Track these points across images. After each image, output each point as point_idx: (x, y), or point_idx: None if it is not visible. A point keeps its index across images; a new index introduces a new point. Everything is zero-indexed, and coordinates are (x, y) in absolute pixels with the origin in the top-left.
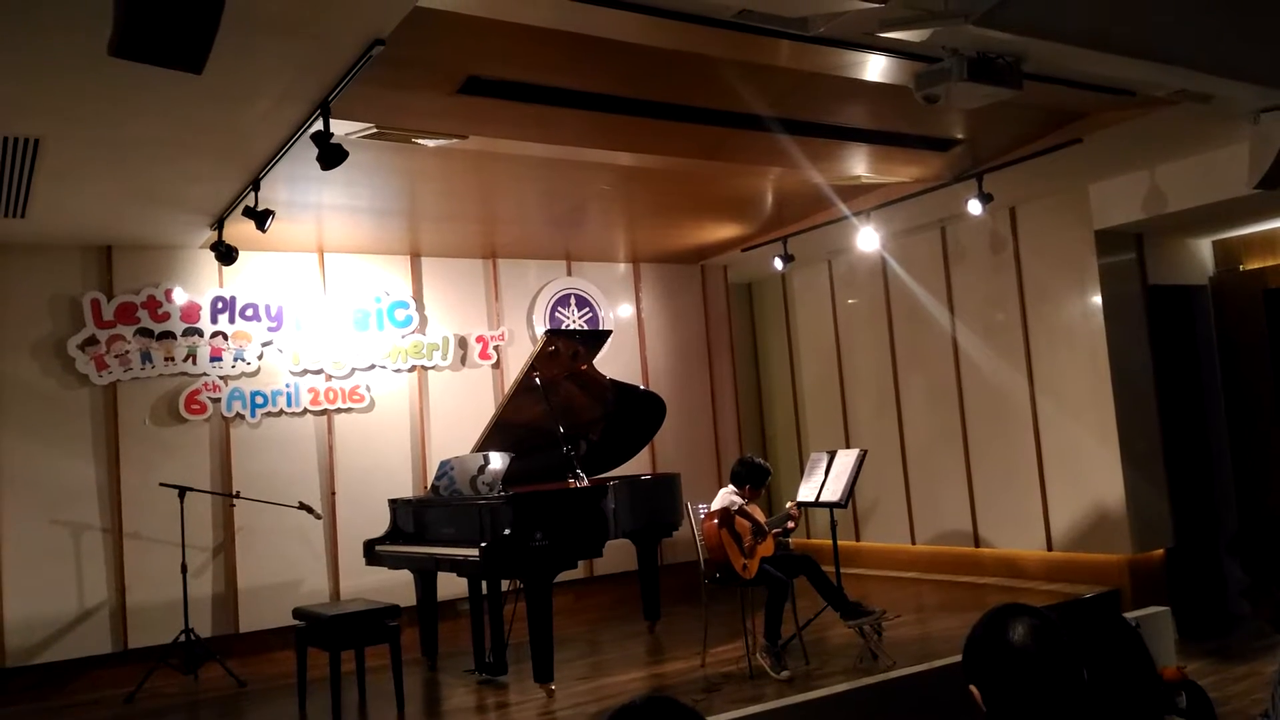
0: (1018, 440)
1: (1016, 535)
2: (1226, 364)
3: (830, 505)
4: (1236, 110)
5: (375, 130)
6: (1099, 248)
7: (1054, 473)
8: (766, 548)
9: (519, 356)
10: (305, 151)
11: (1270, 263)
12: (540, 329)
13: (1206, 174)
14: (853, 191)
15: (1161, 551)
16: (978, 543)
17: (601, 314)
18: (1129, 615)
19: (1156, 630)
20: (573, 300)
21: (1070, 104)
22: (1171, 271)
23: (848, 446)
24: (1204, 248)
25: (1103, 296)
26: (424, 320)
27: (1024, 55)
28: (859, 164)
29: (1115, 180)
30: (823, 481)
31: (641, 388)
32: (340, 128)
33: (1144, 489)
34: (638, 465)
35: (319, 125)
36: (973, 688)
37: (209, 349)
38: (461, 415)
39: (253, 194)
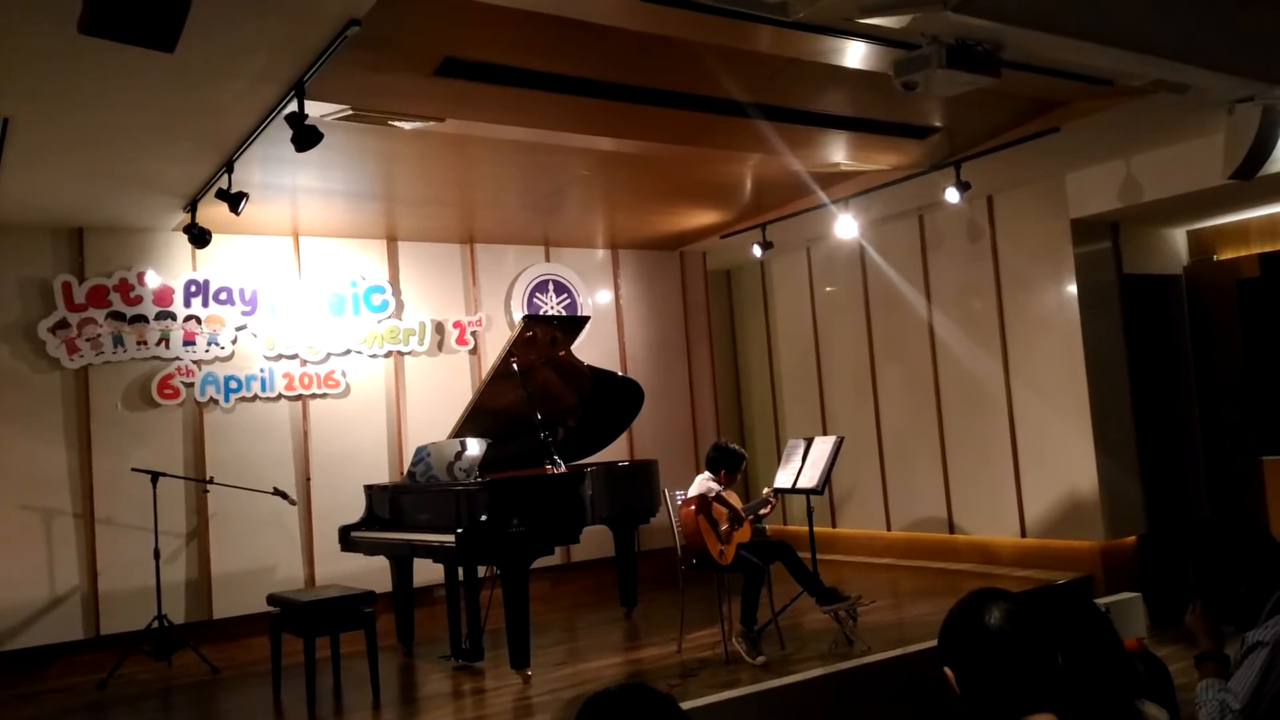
0: (993, 427)
1: (991, 522)
2: (1200, 353)
3: (807, 492)
4: (1212, 100)
5: (351, 112)
6: (1075, 237)
7: (1028, 460)
8: (743, 534)
9: (497, 342)
10: (280, 133)
11: (1243, 253)
12: (518, 315)
13: (1182, 164)
14: (831, 179)
15: (1134, 538)
16: (952, 529)
17: (580, 300)
18: (1100, 601)
19: (1128, 616)
20: (551, 286)
21: (1048, 92)
22: (1146, 261)
23: (825, 433)
24: (1178, 238)
25: (1078, 285)
26: (400, 305)
27: (1002, 43)
28: (838, 151)
29: (1091, 170)
30: (799, 468)
31: (619, 374)
32: (315, 109)
33: (1117, 476)
34: (616, 451)
35: (293, 106)
36: (947, 670)
37: (182, 333)
38: (438, 401)
39: (226, 176)
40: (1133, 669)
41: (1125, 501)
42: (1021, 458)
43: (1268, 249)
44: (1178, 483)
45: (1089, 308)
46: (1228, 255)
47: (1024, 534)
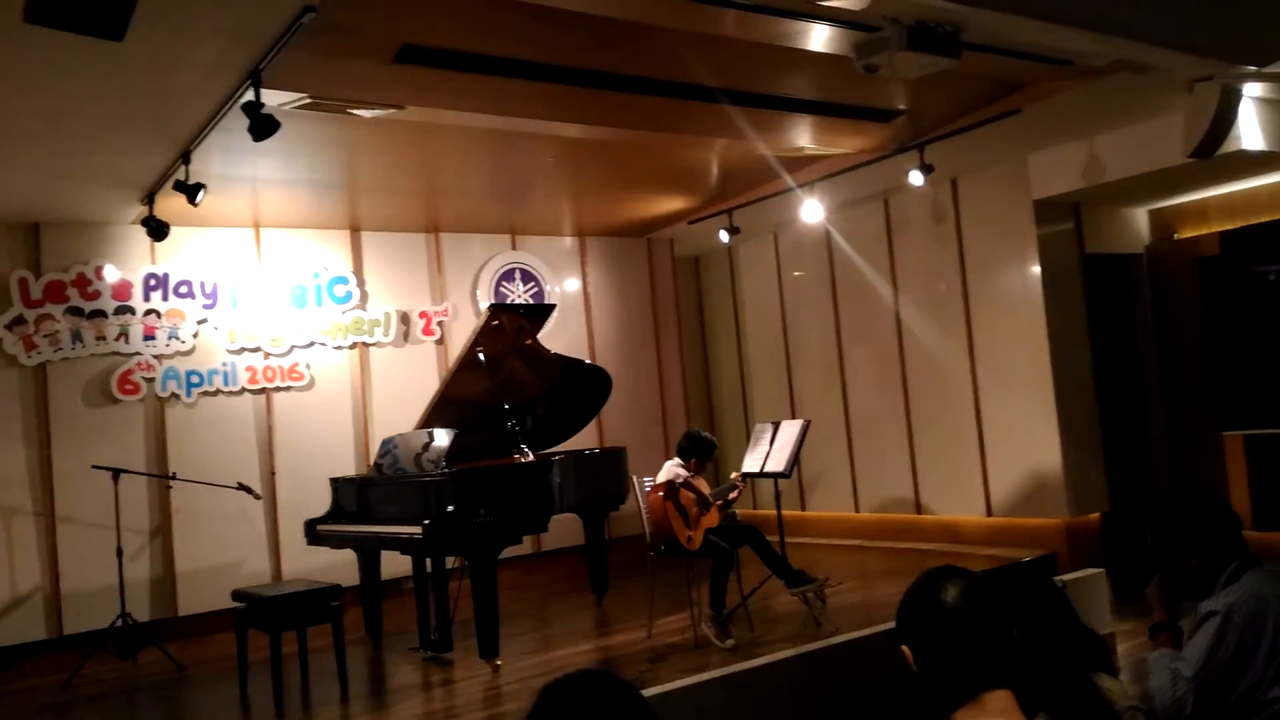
0: (958, 408)
1: (957, 501)
2: (1161, 331)
3: (774, 475)
4: (1172, 80)
5: (309, 100)
6: (1038, 218)
7: (993, 440)
8: (711, 519)
9: (463, 332)
10: (238, 123)
11: (1203, 231)
12: (485, 304)
13: (1142, 144)
14: (797, 163)
15: (1097, 515)
16: (919, 509)
17: (547, 288)
18: (1062, 577)
19: (1091, 591)
20: (518, 275)
21: (1009, 74)
22: (1108, 241)
23: (793, 417)
24: (1140, 217)
25: (1041, 266)
26: (365, 296)
27: (963, 24)
28: (803, 135)
29: (1054, 150)
30: (767, 452)
31: (587, 362)
32: (272, 98)
33: (1080, 454)
34: (585, 439)
35: (250, 95)
36: (905, 648)
37: (142, 327)
38: (405, 392)
39: (183, 167)
40: (1091, 643)
41: (1088, 479)
42: (986, 438)
43: (1227, 227)
44: (1140, 459)
45: (1052, 288)
46: (1188, 234)
47: (990, 513)
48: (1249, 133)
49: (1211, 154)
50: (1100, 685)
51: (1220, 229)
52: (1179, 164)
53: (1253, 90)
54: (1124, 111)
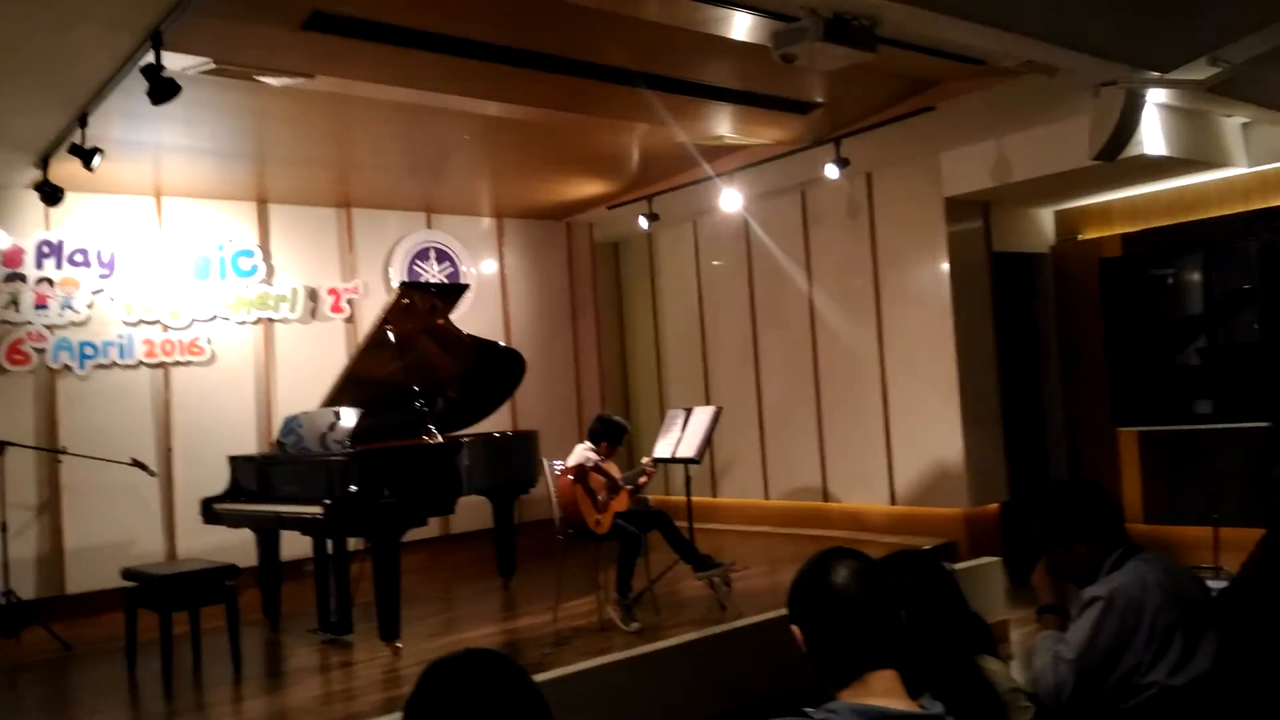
0: (867, 399)
1: (862, 490)
2: (1063, 329)
3: (685, 461)
4: (1079, 83)
5: (213, 65)
6: (948, 215)
7: (899, 431)
8: (620, 503)
9: (375, 311)
10: (140, 86)
11: (1106, 233)
12: (397, 283)
13: (1050, 145)
14: (716, 152)
15: (996, 505)
16: (826, 498)
17: (463, 269)
18: (957, 565)
19: (987, 578)
20: (433, 254)
21: (924, 70)
22: (1015, 240)
23: (708, 404)
24: (1046, 218)
25: (950, 262)
26: (271, 270)
27: (879, 19)
28: (722, 123)
29: (965, 149)
30: (679, 438)
31: (501, 344)
32: (174, 61)
33: (982, 446)
34: (499, 422)
35: (150, 57)
36: (794, 628)
37: (33, 295)
38: (311, 370)
39: (80, 130)
40: (976, 627)
41: (989, 470)
42: (893, 428)
43: (1129, 229)
44: (1039, 452)
45: (960, 284)
46: (1092, 235)
47: (894, 502)
48: (1151, 138)
49: (1115, 157)
50: (984, 667)
51: (1122, 231)
52: (1083, 166)
53: (1156, 96)
54: (1033, 113)
